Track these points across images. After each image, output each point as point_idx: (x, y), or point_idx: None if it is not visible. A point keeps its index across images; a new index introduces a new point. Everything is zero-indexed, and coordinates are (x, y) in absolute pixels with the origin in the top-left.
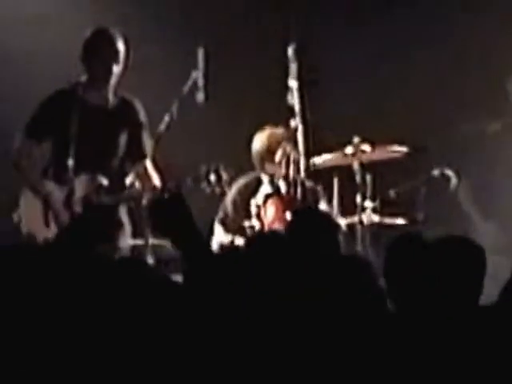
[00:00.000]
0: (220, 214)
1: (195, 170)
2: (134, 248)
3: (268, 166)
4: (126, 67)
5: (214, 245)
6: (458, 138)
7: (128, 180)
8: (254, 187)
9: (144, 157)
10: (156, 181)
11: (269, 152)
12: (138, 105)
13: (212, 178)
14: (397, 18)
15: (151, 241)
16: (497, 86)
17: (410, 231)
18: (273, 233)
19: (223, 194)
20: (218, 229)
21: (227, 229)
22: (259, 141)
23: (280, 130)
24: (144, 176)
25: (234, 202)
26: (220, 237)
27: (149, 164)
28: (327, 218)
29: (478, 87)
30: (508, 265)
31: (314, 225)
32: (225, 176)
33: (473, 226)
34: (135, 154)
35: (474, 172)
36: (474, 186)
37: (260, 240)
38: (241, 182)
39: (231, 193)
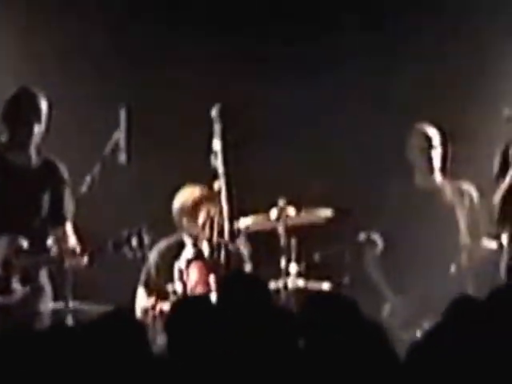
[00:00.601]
0: (143, 278)
1: (117, 233)
2: (54, 312)
3: (189, 226)
4: (48, 127)
5: (138, 309)
6: (383, 201)
7: (49, 242)
8: (176, 250)
9: (65, 219)
10: (72, 244)
11: (191, 210)
12: (61, 166)
13: (134, 242)
14: (321, 85)
15: (71, 304)
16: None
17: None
18: (196, 297)
19: (145, 258)
20: (141, 293)
21: (150, 292)
22: (181, 198)
23: (202, 190)
24: (63, 239)
25: (157, 266)
26: (143, 301)
27: (69, 227)
28: (258, 281)
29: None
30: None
31: (245, 288)
32: (146, 240)
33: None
34: (57, 215)
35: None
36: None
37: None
38: (162, 244)
39: (153, 256)
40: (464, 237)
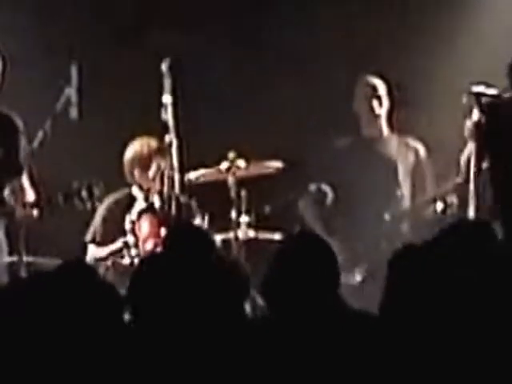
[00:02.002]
0: (90, 235)
1: (68, 186)
2: (10, 265)
3: (140, 178)
4: (2, 83)
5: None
6: (331, 152)
7: (4, 195)
8: (125, 204)
9: (20, 172)
10: (29, 197)
11: (142, 162)
12: (16, 119)
13: (84, 194)
14: (269, 42)
15: (25, 258)
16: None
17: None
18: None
19: (95, 210)
20: (91, 247)
21: (99, 245)
22: (132, 150)
23: (153, 142)
24: (19, 191)
25: (104, 219)
26: (94, 253)
27: (25, 179)
28: (202, 233)
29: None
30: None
31: (189, 241)
32: (97, 192)
33: None
34: (12, 168)
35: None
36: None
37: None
38: (110, 199)
39: (100, 210)
40: (402, 190)
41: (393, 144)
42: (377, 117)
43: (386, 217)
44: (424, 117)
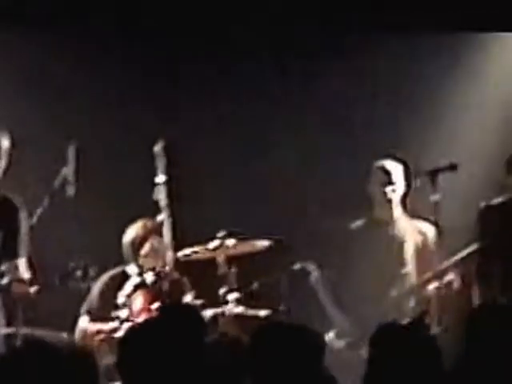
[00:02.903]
0: (86, 306)
1: (64, 265)
2: (6, 336)
3: (135, 257)
4: (9, 164)
5: (77, 334)
6: (320, 232)
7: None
8: (119, 280)
9: (17, 256)
10: (25, 275)
11: (138, 242)
12: (18, 201)
13: (78, 274)
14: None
15: (22, 330)
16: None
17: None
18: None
19: (89, 290)
20: (84, 319)
21: (93, 319)
22: (132, 232)
23: (149, 222)
24: (14, 271)
25: (101, 294)
26: (85, 325)
27: (22, 261)
28: (192, 311)
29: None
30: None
31: (179, 318)
32: (92, 273)
33: (328, 316)
34: (10, 252)
35: (335, 265)
36: (332, 278)
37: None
38: (107, 275)
39: (98, 285)
40: (408, 268)
41: (402, 224)
42: (389, 201)
43: (393, 293)
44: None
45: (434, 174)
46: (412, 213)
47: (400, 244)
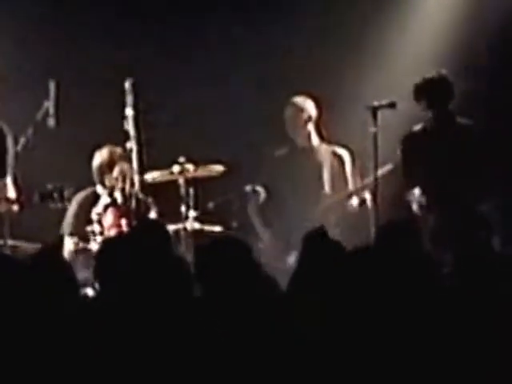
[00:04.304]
0: (65, 227)
1: (43, 187)
2: None
3: (107, 179)
4: None
5: (66, 253)
6: (270, 159)
7: None
8: (92, 199)
9: (5, 173)
10: (11, 194)
11: (108, 166)
12: (6, 129)
13: (55, 195)
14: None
15: (9, 242)
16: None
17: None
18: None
19: (65, 209)
20: (67, 239)
21: (72, 234)
22: (99, 157)
23: (117, 149)
24: (2, 188)
25: (76, 214)
26: (70, 244)
27: (9, 180)
28: (159, 226)
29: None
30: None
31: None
32: (67, 194)
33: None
34: (1, 171)
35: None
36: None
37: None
38: (80, 195)
39: (73, 205)
40: (326, 189)
41: (321, 152)
42: (306, 130)
43: (314, 212)
44: (350, 127)
45: (374, 109)
46: (329, 139)
47: (319, 168)
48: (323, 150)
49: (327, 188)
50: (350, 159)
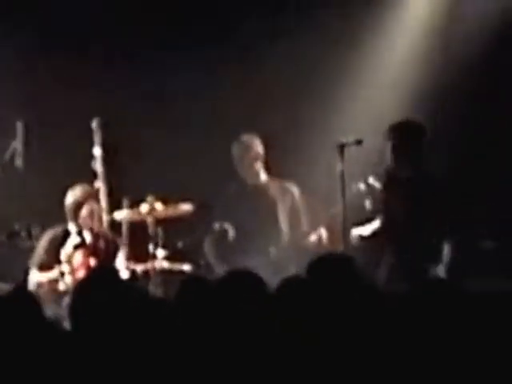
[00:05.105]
0: (34, 261)
1: (11, 226)
2: None
3: (76, 218)
4: None
5: (31, 285)
6: (234, 194)
7: None
8: (61, 237)
9: None
10: None
11: (78, 205)
12: None
13: (23, 234)
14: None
15: None
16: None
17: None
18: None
19: (33, 248)
20: (34, 272)
21: (41, 270)
22: (72, 195)
23: (88, 187)
24: None
25: (46, 250)
26: (36, 277)
27: None
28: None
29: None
30: None
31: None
32: (34, 232)
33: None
34: None
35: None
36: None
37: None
38: (50, 233)
39: (43, 242)
40: (284, 226)
41: (272, 188)
42: (254, 168)
43: (272, 250)
44: (298, 163)
45: (341, 147)
46: (277, 175)
47: (273, 204)
48: (273, 187)
49: (283, 224)
50: (299, 194)
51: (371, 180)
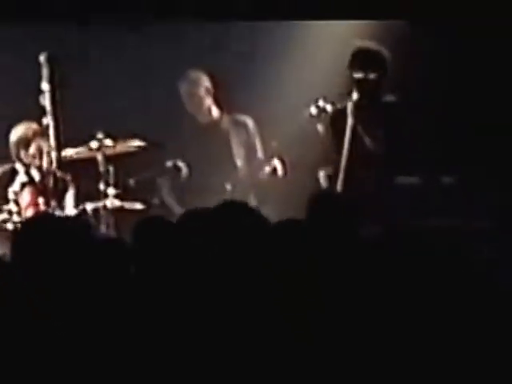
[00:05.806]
0: None
1: None
2: None
3: (24, 156)
4: None
5: None
6: (186, 132)
7: None
8: (9, 176)
9: None
10: None
11: (24, 142)
12: None
13: None
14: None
15: None
16: None
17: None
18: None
19: None
20: None
21: None
22: (16, 133)
23: (34, 125)
24: None
25: None
26: None
27: None
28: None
29: None
30: None
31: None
32: None
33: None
34: None
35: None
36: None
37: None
38: None
39: None
40: (239, 161)
41: (224, 123)
42: (205, 103)
43: (228, 186)
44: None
45: None
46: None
47: (227, 140)
48: (225, 121)
49: (238, 158)
50: (254, 125)
51: (321, 103)
